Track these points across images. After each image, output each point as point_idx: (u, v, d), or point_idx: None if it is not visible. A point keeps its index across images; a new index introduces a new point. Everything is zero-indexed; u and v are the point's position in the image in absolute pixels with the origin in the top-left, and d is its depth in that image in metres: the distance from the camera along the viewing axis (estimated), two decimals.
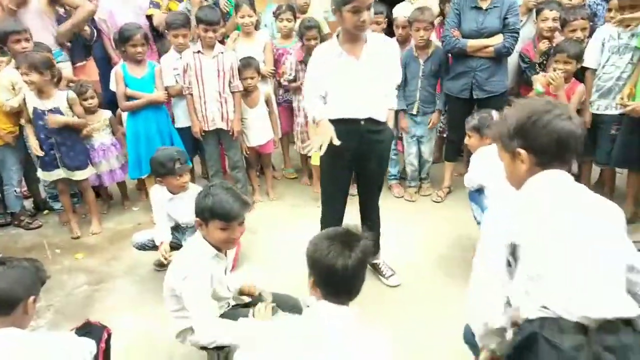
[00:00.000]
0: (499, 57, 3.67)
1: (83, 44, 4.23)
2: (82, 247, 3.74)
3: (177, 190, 3.05)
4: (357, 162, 2.80)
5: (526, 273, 1.43)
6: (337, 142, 2.46)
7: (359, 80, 2.60)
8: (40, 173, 3.78)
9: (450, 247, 3.41)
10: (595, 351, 1.30)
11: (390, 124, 2.85)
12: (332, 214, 2.91)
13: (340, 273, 1.48)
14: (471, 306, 1.54)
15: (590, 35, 3.61)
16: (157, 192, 3.13)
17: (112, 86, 3.86)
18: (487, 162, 2.70)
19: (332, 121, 2.59)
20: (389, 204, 4.04)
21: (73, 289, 3.24)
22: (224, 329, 2.06)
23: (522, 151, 1.51)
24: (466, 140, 3.15)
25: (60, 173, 3.71)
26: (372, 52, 2.61)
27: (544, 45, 3.72)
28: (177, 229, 3.18)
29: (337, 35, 2.62)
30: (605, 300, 1.36)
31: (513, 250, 1.45)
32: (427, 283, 3.07)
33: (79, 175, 3.77)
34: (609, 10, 3.55)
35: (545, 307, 1.38)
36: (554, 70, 3.42)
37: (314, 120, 2.65)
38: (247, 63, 3.93)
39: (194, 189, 3.11)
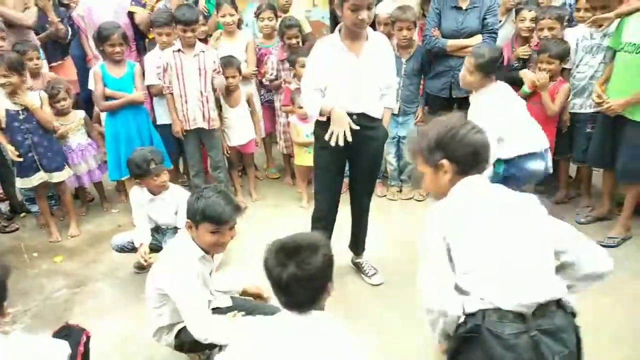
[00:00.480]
0: None
1: (59, 43, 4.12)
2: (60, 250, 3.67)
3: (156, 190, 3.02)
4: (350, 158, 2.83)
5: (461, 270, 1.57)
6: (355, 126, 2.55)
7: (357, 77, 2.63)
8: (19, 182, 3.66)
9: None
10: (533, 335, 1.45)
11: (386, 124, 2.87)
12: (324, 210, 2.93)
13: (278, 284, 1.51)
14: (426, 305, 1.61)
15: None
16: (137, 193, 3.10)
17: (91, 85, 3.80)
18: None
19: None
20: (372, 203, 4.09)
21: (52, 292, 3.18)
22: (219, 327, 2.06)
23: (445, 161, 1.67)
24: (466, 78, 3.15)
25: (41, 176, 3.62)
26: (372, 50, 2.65)
27: (522, 50, 3.75)
28: (157, 230, 3.15)
29: (340, 30, 2.65)
30: (534, 286, 1.50)
31: (448, 251, 1.59)
32: (411, 281, 3.08)
33: (57, 177, 3.69)
34: (578, 9, 3.61)
35: (483, 299, 1.50)
36: (540, 70, 3.46)
37: (321, 112, 2.65)
38: (228, 62, 3.90)
39: (175, 190, 3.09)
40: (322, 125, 2.69)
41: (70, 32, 4.24)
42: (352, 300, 2.92)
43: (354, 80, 2.63)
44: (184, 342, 2.20)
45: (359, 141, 2.66)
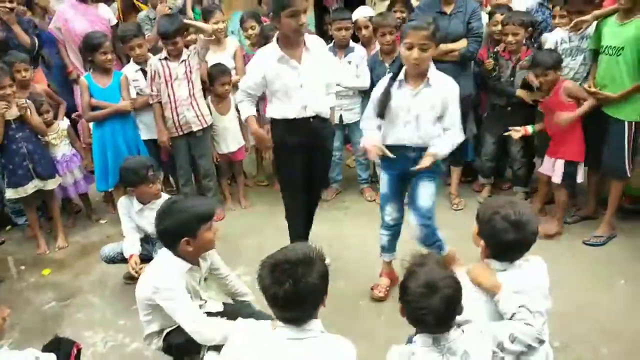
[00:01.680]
0: (464, 60, 3.75)
1: (27, 53, 3.99)
2: (48, 262, 3.63)
3: (149, 199, 2.99)
4: (309, 159, 2.97)
5: None
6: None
7: (303, 83, 2.75)
8: (10, 192, 3.60)
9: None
10: None
11: (332, 120, 3.07)
12: (295, 209, 3.07)
13: (274, 301, 1.51)
14: None
15: (533, 42, 3.79)
16: (125, 203, 3.07)
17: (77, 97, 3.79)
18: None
19: (284, 121, 2.83)
20: (361, 208, 4.10)
21: (40, 306, 3.14)
22: (215, 325, 2.07)
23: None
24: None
25: (35, 184, 3.60)
26: (312, 54, 2.77)
27: (489, 64, 3.78)
28: (146, 240, 3.12)
29: (277, 40, 2.73)
30: None
31: None
32: None
33: (51, 184, 3.69)
34: (554, 17, 3.71)
35: None
36: (538, 82, 3.43)
37: (246, 120, 2.93)
38: (221, 70, 3.93)
39: (164, 199, 3.06)
40: (280, 129, 2.86)
41: (37, 43, 4.16)
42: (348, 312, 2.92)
43: (300, 86, 2.75)
44: (172, 344, 2.21)
45: (317, 142, 2.90)
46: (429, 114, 2.59)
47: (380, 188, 2.88)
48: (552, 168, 3.48)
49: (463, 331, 1.56)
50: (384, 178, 2.83)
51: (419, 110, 2.58)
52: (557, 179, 3.44)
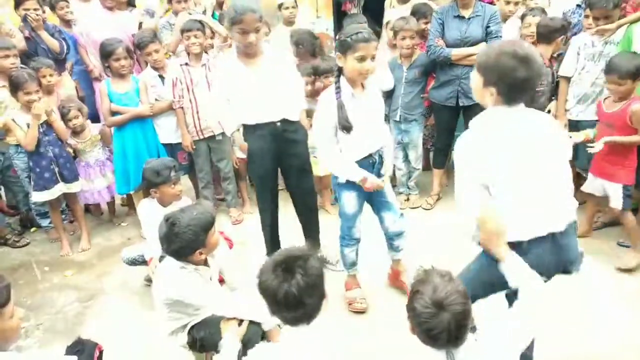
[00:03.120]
0: None
1: (54, 58, 4.08)
2: (71, 264, 3.70)
3: (170, 200, 3.01)
4: (280, 162, 3.07)
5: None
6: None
7: (264, 87, 2.82)
8: (36, 196, 3.68)
9: (448, 254, 3.40)
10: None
11: (304, 123, 3.12)
12: (267, 213, 3.22)
13: (285, 301, 1.48)
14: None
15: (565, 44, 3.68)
16: (146, 206, 3.11)
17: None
18: None
19: (251, 127, 2.93)
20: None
21: (63, 306, 3.20)
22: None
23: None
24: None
25: (61, 188, 3.69)
26: (270, 61, 2.87)
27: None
28: None
29: (237, 48, 2.83)
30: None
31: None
32: None
33: (75, 187, 3.78)
34: (587, 17, 3.60)
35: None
36: (609, 91, 3.14)
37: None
38: None
39: (185, 202, 3.09)
40: (249, 135, 2.96)
41: (65, 47, 4.22)
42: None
43: (261, 90, 2.81)
44: (195, 339, 2.24)
45: (286, 145, 2.97)
46: (379, 113, 2.68)
47: (345, 208, 2.75)
48: (601, 189, 3.19)
49: (476, 339, 1.54)
50: (349, 196, 2.70)
51: (373, 113, 2.60)
52: (616, 204, 3.10)
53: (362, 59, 2.38)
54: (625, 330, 2.57)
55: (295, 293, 1.47)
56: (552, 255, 1.81)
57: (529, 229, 1.78)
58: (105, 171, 3.99)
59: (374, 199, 2.79)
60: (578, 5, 3.96)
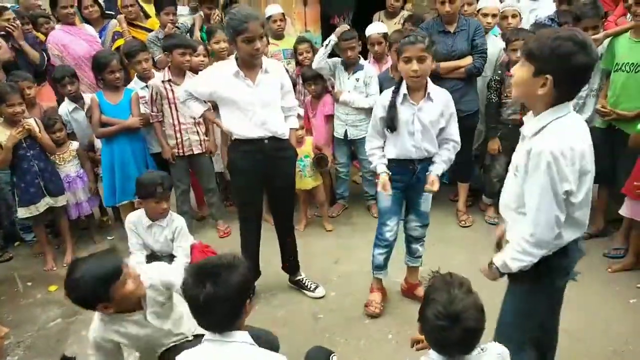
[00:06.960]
0: (470, 77, 3.79)
1: (34, 70, 4.03)
2: (55, 278, 3.62)
3: (156, 216, 2.99)
4: (266, 180, 2.96)
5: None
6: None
7: (257, 103, 2.77)
8: (22, 211, 3.61)
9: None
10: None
11: (293, 142, 3.07)
12: (249, 233, 3.08)
13: (195, 305, 1.53)
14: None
15: None
16: (134, 218, 3.06)
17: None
18: None
19: (240, 141, 2.85)
20: (368, 224, 4.07)
21: (46, 322, 3.13)
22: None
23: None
24: None
25: (47, 201, 3.63)
26: (268, 77, 2.80)
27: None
28: (152, 257, 3.11)
29: (236, 58, 2.78)
30: None
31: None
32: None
33: (61, 201, 3.73)
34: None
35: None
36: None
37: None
38: None
39: (173, 217, 3.04)
40: (235, 151, 2.89)
41: (45, 59, 4.18)
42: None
43: (254, 106, 2.76)
44: None
45: (273, 162, 2.89)
46: (433, 127, 2.67)
47: (381, 204, 2.88)
48: None
49: (482, 349, 1.51)
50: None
51: (424, 123, 2.64)
52: None
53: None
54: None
55: (202, 300, 1.50)
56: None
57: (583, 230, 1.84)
58: (75, 188, 3.90)
59: (409, 199, 2.87)
60: (551, 19, 4.02)
